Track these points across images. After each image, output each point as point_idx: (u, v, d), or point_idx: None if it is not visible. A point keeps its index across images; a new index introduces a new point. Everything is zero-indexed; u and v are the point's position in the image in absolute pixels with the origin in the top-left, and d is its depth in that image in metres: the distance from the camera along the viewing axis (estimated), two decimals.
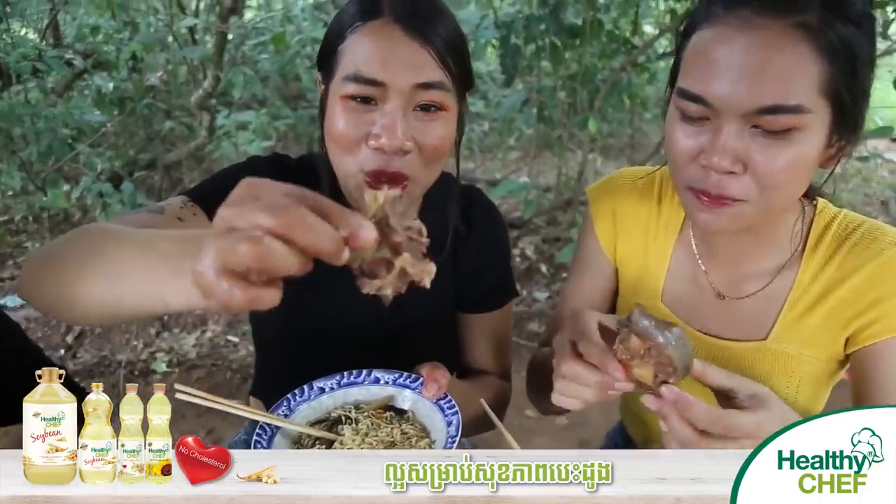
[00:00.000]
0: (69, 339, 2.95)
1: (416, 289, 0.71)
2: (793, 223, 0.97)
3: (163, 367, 2.73)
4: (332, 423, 0.91)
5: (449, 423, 0.87)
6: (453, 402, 0.90)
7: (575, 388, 0.80)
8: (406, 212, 0.58)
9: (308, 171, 1.04)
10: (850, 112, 0.81)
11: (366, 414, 0.91)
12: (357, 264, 0.56)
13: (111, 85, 3.92)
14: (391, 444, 0.87)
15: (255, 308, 0.53)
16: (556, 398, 0.82)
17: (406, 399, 0.94)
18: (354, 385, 0.95)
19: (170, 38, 4.00)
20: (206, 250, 0.51)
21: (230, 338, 2.89)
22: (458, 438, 0.84)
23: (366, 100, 0.87)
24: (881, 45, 3.87)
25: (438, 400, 0.91)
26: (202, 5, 4.28)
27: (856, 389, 0.97)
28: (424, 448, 0.86)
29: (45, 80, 3.83)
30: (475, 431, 1.08)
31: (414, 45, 0.87)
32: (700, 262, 1.03)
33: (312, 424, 0.91)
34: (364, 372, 0.96)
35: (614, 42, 3.02)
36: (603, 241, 1.10)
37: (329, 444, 0.87)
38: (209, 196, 0.90)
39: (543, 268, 3.39)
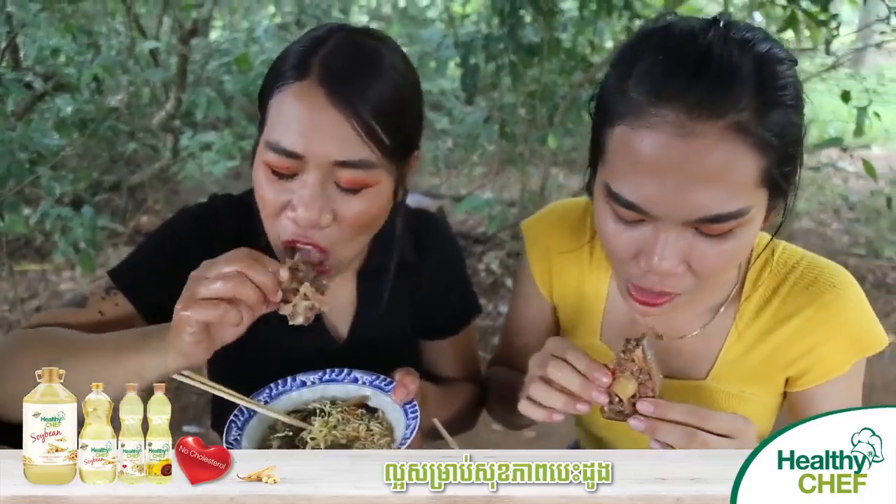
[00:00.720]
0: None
1: (372, 319, 0.82)
2: None
3: None
4: (307, 414, 0.96)
5: (408, 426, 0.91)
6: (416, 406, 0.93)
7: (548, 393, 0.80)
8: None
9: (245, 213, 1.00)
10: (784, 189, 0.78)
11: (339, 409, 0.95)
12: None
13: (69, 109, 3.87)
14: (355, 439, 0.91)
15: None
16: (524, 405, 0.83)
17: (378, 400, 0.98)
18: (335, 382, 0.99)
19: (131, 61, 3.99)
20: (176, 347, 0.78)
21: None
22: (410, 440, 0.88)
23: (286, 171, 0.84)
24: (827, 60, 4.02)
25: (405, 404, 0.94)
26: (164, 28, 4.27)
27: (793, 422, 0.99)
28: (384, 446, 0.90)
29: (5, 104, 3.78)
30: (455, 432, 1.08)
31: (337, 116, 0.81)
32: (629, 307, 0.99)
33: (290, 413, 0.95)
34: (345, 371, 1.00)
35: (572, 59, 3.09)
36: (539, 278, 1.08)
37: (298, 431, 0.92)
38: (135, 282, 0.95)
39: (509, 282, 3.43)
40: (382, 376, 0.99)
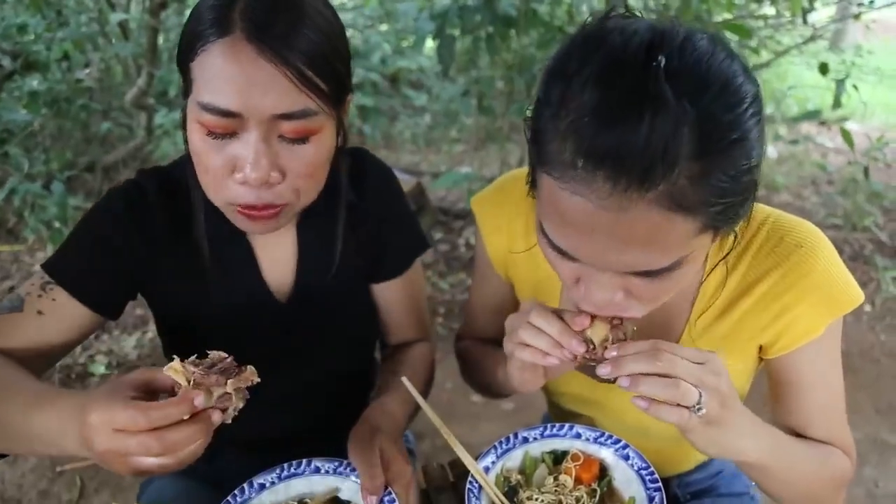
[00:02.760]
0: None
1: (317, 269, 0.77)
2: None
3: (101, 370, 2.67)
4: None
5: None
6: (393, 495, 0.88)
7: (536, 337, 0.78)
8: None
9: (175, 186, 0.97)
10: (735, 222, 0.72)
11: None
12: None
13: (36, 83, 3.79)
14: None
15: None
16: (515, 349, 0.81)
17: (350, 489, 0.92)
18: (295, 476, 0.94)
19: (100, 37, 3.90)
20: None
21: None
22: None
23: (224, 131, 0.80)
24: (805, 32, 4.02)
25: (383, 496, 0.89)
26: (133, 2, 4.17)
27: (773, 390, 0.96)
28: None
29: None
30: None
31: (269, 68, 0.77)
32: None
33: None
34: (304, 462, 0.95)
35: (550, 31, 3.06)
36: (494, 257, 1.04)
37: None
38: (71, 273, 0.91)
39: None
40: (344, 461, 0.93)
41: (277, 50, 0.77)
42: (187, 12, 4.48)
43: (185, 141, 0.87)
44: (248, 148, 0.79)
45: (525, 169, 1.03)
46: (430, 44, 4.00)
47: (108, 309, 0.96)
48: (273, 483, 0.93)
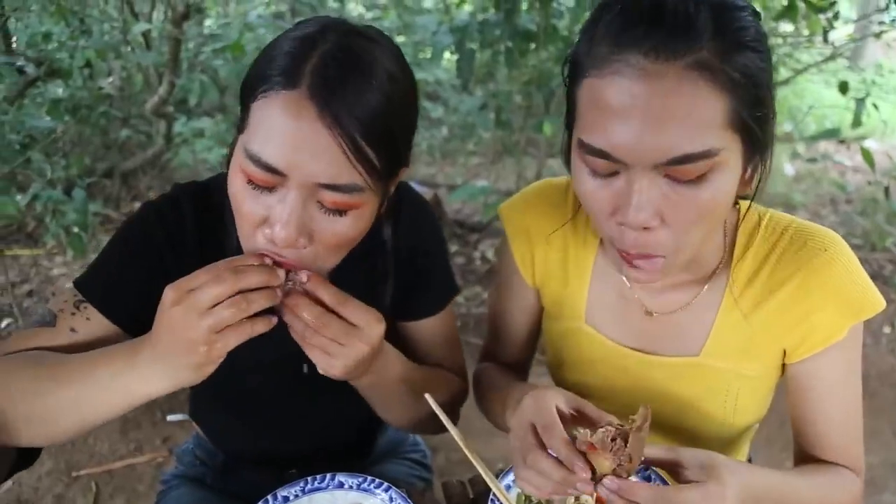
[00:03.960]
0: None
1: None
2: (716, 233, 0.93)
3: None
4: None
5: None
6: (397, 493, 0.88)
7: (537, 478, 0.78)
8: None
9: (209, 205, 0.97)
10: (759, 136, 0.77)
11: None
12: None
13: (60, 90, 3.85)
14: None
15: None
16: (519, 485, 0.82)
17: None
18: (319, 491, 0.94)
19: (124, 46, 3.96)
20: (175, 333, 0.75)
21: None
22: None
23: (264, 184, 0.78)
24: (824, 50, 4.01)
25: (388, 492, 0.90)
26: (156, 12, 4.23)
27: (792, 399, 0.96)
28: None
29: None
30: (432, 429, 1.06)
31: (325, 134, 0.74)
32: (624, 277, 0.97)
33: None
34: (327, 476, 0.95)
35: (568, 47, 3.06)
36: (520, 262, 1.06)
37: None
38: (104, 293, 0.92)
39: None
40: (368, 477, 0.95)
41: (338, 116, 0.74)
42: (207, 22, 4.54)
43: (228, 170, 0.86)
44: (283, 207, 0.77)
45: (553, 179, 1.08)
46: (447, 56, 4.03)
47: (138, 328, 0.95)
48: (297, 496, 0.93)
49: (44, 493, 2.14)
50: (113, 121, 4.17)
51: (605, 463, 0.76)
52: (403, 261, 1.05)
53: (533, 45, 2.98)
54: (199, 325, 0.73)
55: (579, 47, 0.78)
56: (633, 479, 0.76)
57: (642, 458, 0.78)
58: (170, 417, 2.40)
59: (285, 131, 0.74)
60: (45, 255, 3.68)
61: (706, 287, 0.95)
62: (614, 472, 0.76)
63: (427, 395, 0.92)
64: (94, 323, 0.91)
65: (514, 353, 1.18)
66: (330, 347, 0.82)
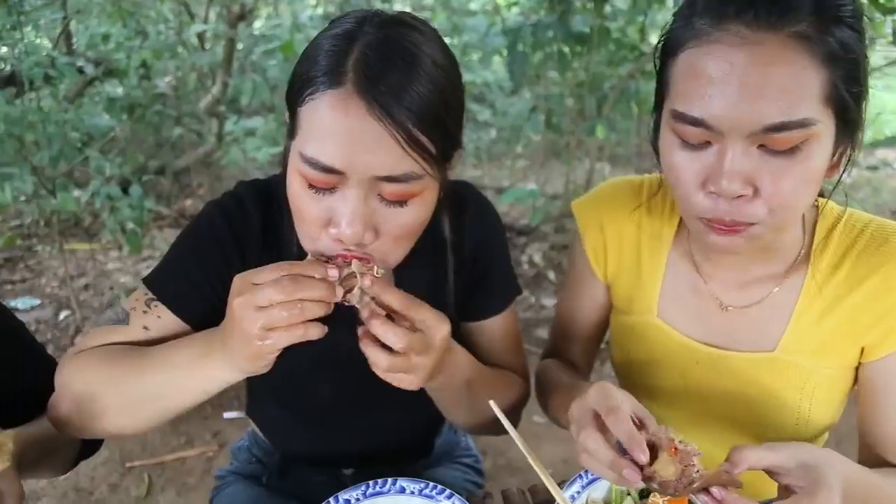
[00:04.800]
0: (77, 340, 2.96)
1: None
2: (795, 226, 0.93)
3: None
4: None
5: None
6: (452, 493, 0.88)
7: (591, 461, 0.77)
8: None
9: (272, 204, 0.97)
10: (852, 115, 0.77)
11: None
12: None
13: (120, 90, 3.95)
14: None
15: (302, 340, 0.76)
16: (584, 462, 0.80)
17: None
18: (380, 495, 0.94)
19: (179, 46, 4.05)
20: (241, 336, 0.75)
21: None
22: None
23: (324, 185, 0.78)
24: (892, 53, 3.86)
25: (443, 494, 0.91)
26: (212, 13, 4.32)
27: (865, 400, 0.94)
28: None
29: (58, 88, 3.86)
30: (494, 431, 1.04)
31: (377, 127, 0.74)
32: (699, 271, 0.99)
33: None
34: (389, 481, 0.95)
35: (622, 49, 3.02)
36: (592, 258, 1.08)
37: None
38: (174, 293, 0.93)
39: (551, 274, 3.39)
40: (431, 483, 0.95)
41: (387, 108, 0.73)
42: (257, 23, 4.61)
43: (284, 178, 0.86)
44: (345, 205, 0.77)
45: (627, 177, 1.09)
46: (496, 58, 4.01)
47: (207, 325, 0.97)
48: (358, 500, 0.93)
49: (99, 482, 2.19)
50: (166, 120, 4.26)
51: (670, 468, 0.73)
52: (467, 260, 1.04)
53: (585, 48, 2.95)
54: (254, 319, 0.74)
55: (676, 23, 0.80)
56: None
57: (700, 469, 0.75)
58: (226, 415, 2.44)
59: (337, 130, 0.74)
60: (100, 249, 3.78)
61: (784, 282, 0.94)
62: (683, 477, 0.73)
63: (491, 402, 0.91)
64: (164, 321, 0.93)
65: (579, 351, 1.18)
66: (404, 366, 0.81)
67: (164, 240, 3.80)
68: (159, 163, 4.31)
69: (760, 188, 0.76)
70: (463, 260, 1.04)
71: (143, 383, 0.85)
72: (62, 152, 3.31)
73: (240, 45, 4.19)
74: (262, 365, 0.79)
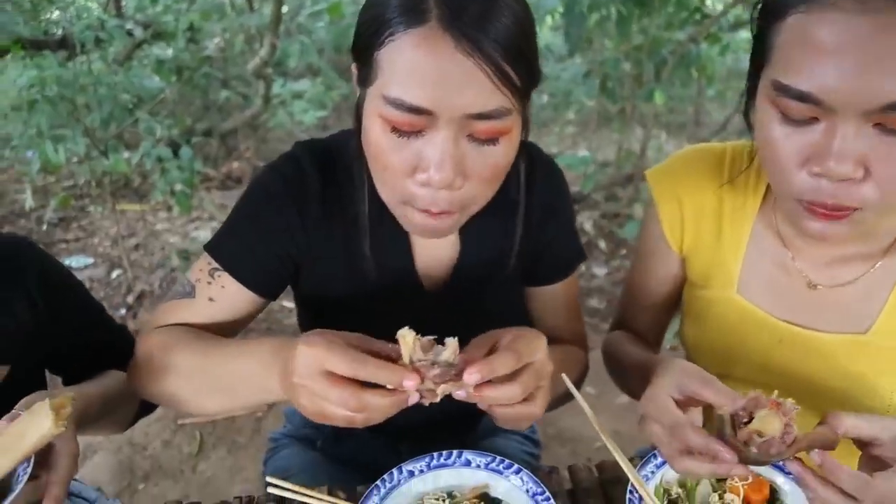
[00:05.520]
0: (130, 299, 3.02)
1: (473, 266, 0.70)
2: None
3: None
4: None
5: None
6: (552, 501, 0.85)
7: (695, 474, 0.75)
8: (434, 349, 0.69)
9: (331, 163, 0.93)
10: None
11: None
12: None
13: (170, 52, 3.96)
14: None
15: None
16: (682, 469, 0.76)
17: (500, 487, 0.89)
18: (445, 468, 0.91)
19: (227, 8, 4.03)
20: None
21: (285, 303, 2.91)
22: None
23: (410, 129, 0.74)
24: None
25: (535, 495, 0.86)
26: None
27: None
28: None
29: (107, 51, 3.89)
30: (556, 405, 1.02)
31: (466, 62, 0.70)
32: (786, 246, 0.93)
33: None
34: (454, 453, 0.92)
35: (684, 11, 2.89)
36: (668, 229, 1.02)
37: None
38: (237, 260, 0.91)
39: (602, 244, 3.32)
40: (497, 457, 0.91)
41: (475, 41, 0.70)
42: None
43: (358, 131, 0.83)
44: (434, 148, 0.73)
45: (708, 143, 1.03)
46: (549, 22, 3.88)
47: (272, 292, 0.95)
48: (422, 472, 0.90)
49: (153, 438, 2.24)
50: (213, 82, 4.28)
51: (774, 422, 0.70)
52: (535, 223, 1.00)
53: (645, 10, 2.82)
54: (315, 405, 0.68)
55: None
56: None
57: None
58: None
59: (425, 69, 0.71)
60: (150, 210, 3.83)
61: (881, 262, 0.88)
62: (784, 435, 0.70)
63: (563, 376, 0.87)
64: (229, 290, 0.91)
65: (649, 324, 1.14)
66: (529, 409, 0.75)
67: (211, 201, 3.83)
68: (207, 125, 4.33)
69: (872, 170, 0.69)
70: (530, 222, 0.99)
71: (211, 384, 0.84)
72: (113, 114, 3.35)
73: (285, 8, 4.16)
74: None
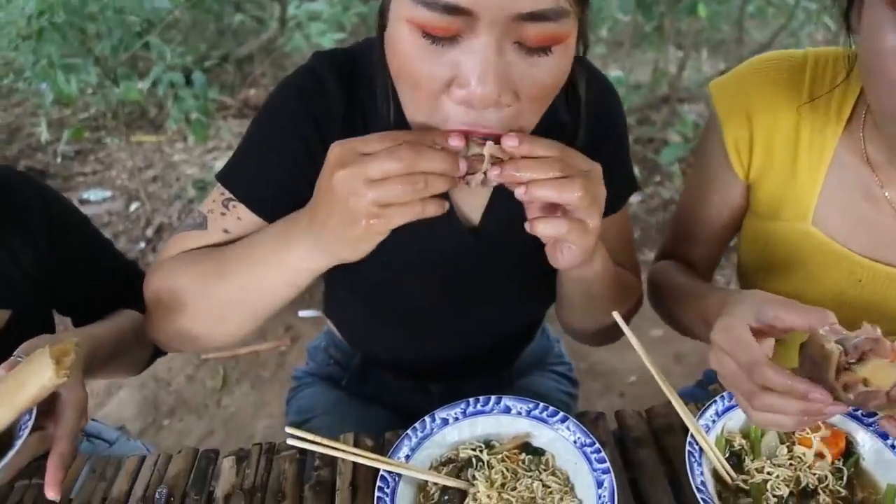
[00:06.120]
0: (149, 232, 2.97)
1: (514, 200, 0.67)
2: None
3: None
4: (461, 467, 0.79)
5: (599, 483, 0.73)
6: (603, 453, 0.75)
7: (773, 418, 0.65)
8: None
9: (355, 76, 0.82)
10: None
11: (500, 456, 0.78)
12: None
13: None
14: (531, 501, 0.74)
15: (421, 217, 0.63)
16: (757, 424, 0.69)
17: (543, 437, 0.80)
18: (481, 414, 0.82)
19: None
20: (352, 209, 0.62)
21: None
22: None
23: (445, 33, 0.61)
24: None
25: (583, 446, 0.77)
26: None
27: None
28: None
29: None
30: (606, 339, 0.96)
31: None
32: (876, 174, 0.82)
33: (440, 466, 0.79)
34: (492, 399, 0.83)
35: None
36: (732, 151, 0.90)
37: (461, 496, 0.76)
38: (250, 187, 0.82)
39: (636, 170, 3.16)
40: (541, 404, 0.82)
41: None
42: None
43: (381, 41, 0.71)
44: (474, 57, 0.60)
45: (786, 51, 0.89)
46: None
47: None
48: (457, 419, 0.82)
49: (176, 373, 2.22)
50: (226, 5, 4.09)
51: (890, 374, 0.59)
52: (588, 148, 0.87)
53: None
54: (363, 194, 0.61)
55: None
56: None
57: None
58: (301, 313, 2.39)
59: None
60: (167, 141, 3.74)
61: None
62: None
63: (615, 314, 0.78)
64: (245, 222, 0.82)
65: (702, 255, 1.04)
66: (580, 227, 0.68)
67: (228, 130, 3.72)
68: (221, 51, 4.18)
69: None
70: (580, 148, 0.86)
71: (226, 287, 0.78)
72: (122, 41, 3.21)
73: None
74: (365, 249, 0.67)
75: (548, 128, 0.77)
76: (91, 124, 3.96)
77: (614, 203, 0.92)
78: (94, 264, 1.03)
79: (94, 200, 3.21)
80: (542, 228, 0.67)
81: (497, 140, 0.64)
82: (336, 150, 0.64)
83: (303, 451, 0.85)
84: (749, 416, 0.67)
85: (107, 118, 3.83)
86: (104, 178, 3.47)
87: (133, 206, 3.18)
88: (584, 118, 0.84)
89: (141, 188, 3.09)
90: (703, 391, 1.22)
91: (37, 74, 3.10)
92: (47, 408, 0.78)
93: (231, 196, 0.83)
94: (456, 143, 0.63)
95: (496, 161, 0.64)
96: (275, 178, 0.82)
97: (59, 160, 3.64)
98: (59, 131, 3.84)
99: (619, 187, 0.92)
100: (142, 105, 3.74)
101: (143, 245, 2.90)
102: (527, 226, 0.68)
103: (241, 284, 0.77)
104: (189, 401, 2.13)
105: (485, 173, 0.64)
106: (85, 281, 1.02)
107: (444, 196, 0.65)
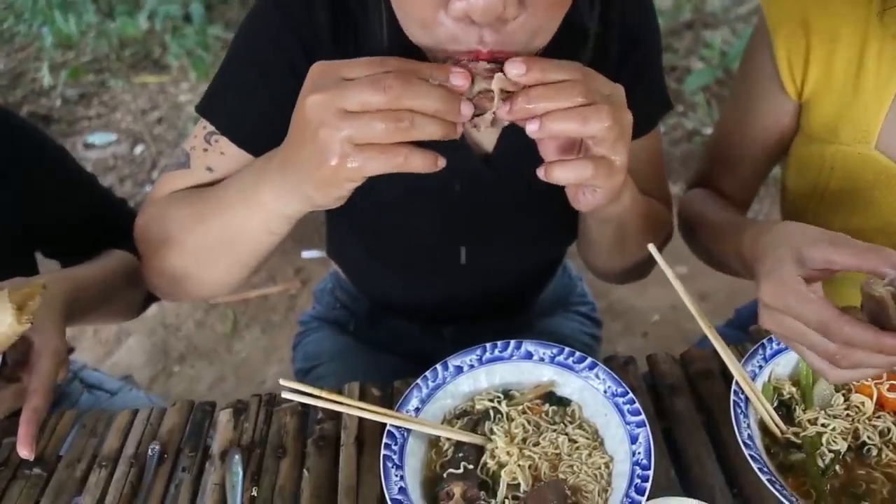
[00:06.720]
0: (155, 174, 2.91)
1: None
2: None
3: None
4: (477, 420, 0.70)
5: (633, 438, 0.64)
6: (637, 404, 0.66)
7: (856, 373, 0.59)
8: None
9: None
10: None
11: (520, 408, 0.70)
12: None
13: None
14: (556, 457, 0.66)
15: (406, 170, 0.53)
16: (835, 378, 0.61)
17: (568, 386, 0.72)
18: (499, 361, 0.73)
19: None
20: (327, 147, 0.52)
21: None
22: (650, 470, 0.61)
23: None
24: None
25: (615, 395, 0.68)
26: None
27: None
28: (601, 468, 0.65)
29: None
30: (634, 276, 0.89)
31: None
32: None
33: (453, 419, 0.71)
34: (511, 344, 0.74)
35: None
36: (784, 66, 0.80)
37: (478, 452, 0.67)
38: (231, 118, 0.74)
39: None
40: (566, 349, 0.72)
41: None
42: None
43: None
44: None
45: None
46: None
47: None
48: (472, 367, 0.73)
49: (185, 318, 2.17)
50: None
51: None
52: (614, 58, 0.76)
53: None
54: (336, 126, 0.51)
55: None
56: None
57: None
58: (304, 254, 2.32)
59: None
60: (171, 82, 3.62)
61: None
62: None
63: (650, 247, 0.69)
64: (229, 157, 0.74)
65: (740, 183, 0.94)
66: (608, 165, 0.58)
67: None
68: None
69: None
70: (605, 58, 0.75)
71: (207, 231, 0.71)
72: None
73: None
74: (336, 197, 0.57)
75: (566, 35, 0.65)
76: (94, 67, 3.85)
77: (643, 123, 0.80)
78: (76, 200, 0.96)
79: (99, 144, 3.14)
80: (561, 174, 0.57)
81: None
82: (316, 69, 0.55)
83: (305, 403, 0.78)
84: (826, 375, 0.58)
85: (109, 60, 3.72)
86: (109, 121, 3.38)
87: (138, 149, 3.10)
88: (600, 23, 0.71)
89: (146, 130, 3.00)
90: (734, 332, 1.13)
91: (35, 15, 3.00)
92: (22, 357, 0.72)
93: (213, 129, 0.74)
94: (459, 81, 0.52)
95: (507, 96, 0.53)
96: (257, 105, 0.72)
97: (60, 104, 3.55)
98: (63, 76, 3.74)
99: (649, 104, 0.81)
100: (145, 46, 3.62)
101: (148, 188, 2.84)
102: (540, 172, 0.57)
103: (220, 226, 0.70)
104: (199, 347, 2.09)
105: (494, 113, 0.53)
106: (67, 219, 0.95)
107: (440, 148, 0.54)
